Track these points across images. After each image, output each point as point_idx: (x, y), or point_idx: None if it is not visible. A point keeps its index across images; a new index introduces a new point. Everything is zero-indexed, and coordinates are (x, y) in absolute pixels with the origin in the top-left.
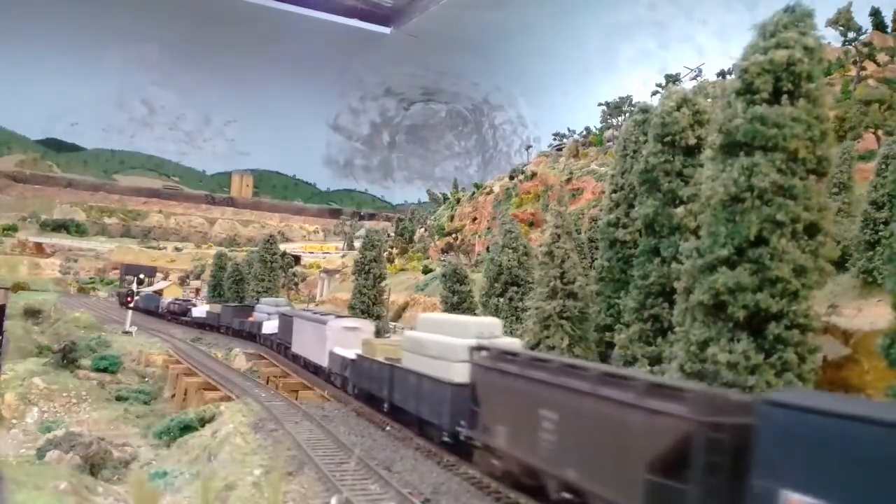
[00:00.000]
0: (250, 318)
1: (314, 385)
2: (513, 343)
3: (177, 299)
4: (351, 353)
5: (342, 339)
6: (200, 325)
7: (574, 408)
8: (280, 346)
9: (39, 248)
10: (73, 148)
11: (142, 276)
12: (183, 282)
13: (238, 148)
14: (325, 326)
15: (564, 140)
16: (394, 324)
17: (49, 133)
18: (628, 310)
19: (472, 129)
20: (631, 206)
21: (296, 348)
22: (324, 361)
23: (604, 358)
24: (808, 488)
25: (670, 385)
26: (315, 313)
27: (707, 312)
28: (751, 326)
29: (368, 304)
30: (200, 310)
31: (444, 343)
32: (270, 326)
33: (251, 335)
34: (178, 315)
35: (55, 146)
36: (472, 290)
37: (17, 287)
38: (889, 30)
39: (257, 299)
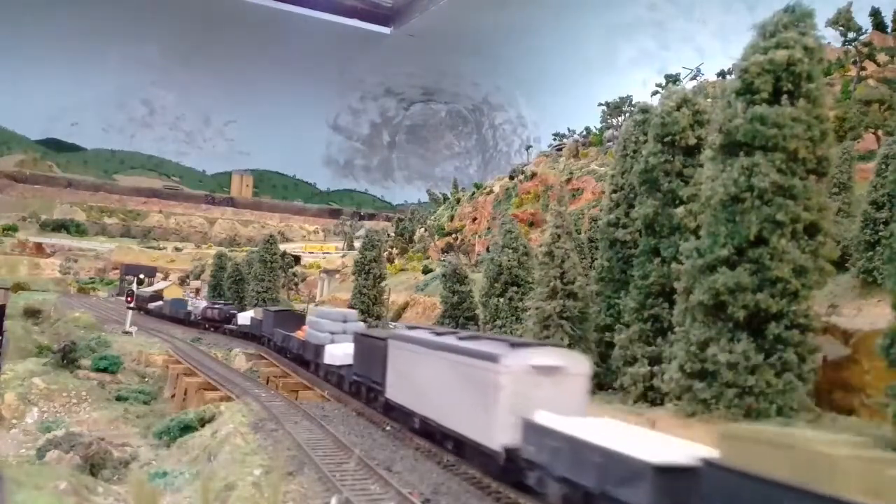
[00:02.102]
0: (299, 335)
1: (314, 385)
2: None
3: (215, 303)
4: (636, 450)
5: (537, 393)
6: (244, 335)
7: None
8: (359, 386)
9: (39, 248)
10: (73, 148)
11: (142, 276)
12: (183, 282)
13: (238, 148)
14: (497, 367)
15: (564, 140)
16: (394, 324)
17: (49, 133)
18: (628, 310)
19: (472, 129)
20: (631, 206)
21: (396, 394)
22: (491, 439)
23: (604, 358)
24: None
25: None
26: (438, 334)
27: (707, 312)
28: (751, 326)
29: (368, 304)
30: (245, 316)
31: None
32: (339, 354)
33: (301, 360)
34: (220, 323)
35: (55, 146)
36: (472, 290)
37: (17, 287)
38: (889, 30)
39: (261, 302)
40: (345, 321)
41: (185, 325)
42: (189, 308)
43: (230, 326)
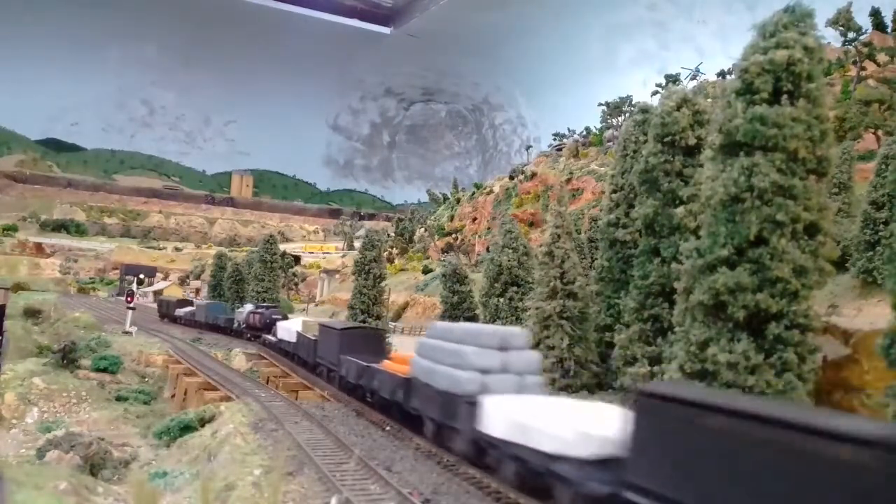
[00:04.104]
0: (392, 368)
1: (314, 384)
2: None
3: (259, 305)
4: None
5: None
6: (284, 353)
7: None
8: None
9: (39, 248)
10: (73, 148)
11: (142, 276)
12: (183, 282)
13: (238, 148)
14: None
15: (564, 140)
16: (394, 324)
17: (49, 133)
18: (628, 310)
19: (472, 129)
20: (631, 206)
21: None
22: None
23: (604, 358)
24: None
25: None
26: None
27: (707, 312)
28: (751, 326)
29: (368, 304)
30: (287, 328)
31: None
32: (550, 432)
33: (399, 411)
34: (261, 331)
35: (55, 146)
36: (472, 290)
37: (17, 287)
38: (889, 30)
39: (261, 302)
40: (504, 348)
41: (224, 333)
42: (223, 313)
43: (269, 338)
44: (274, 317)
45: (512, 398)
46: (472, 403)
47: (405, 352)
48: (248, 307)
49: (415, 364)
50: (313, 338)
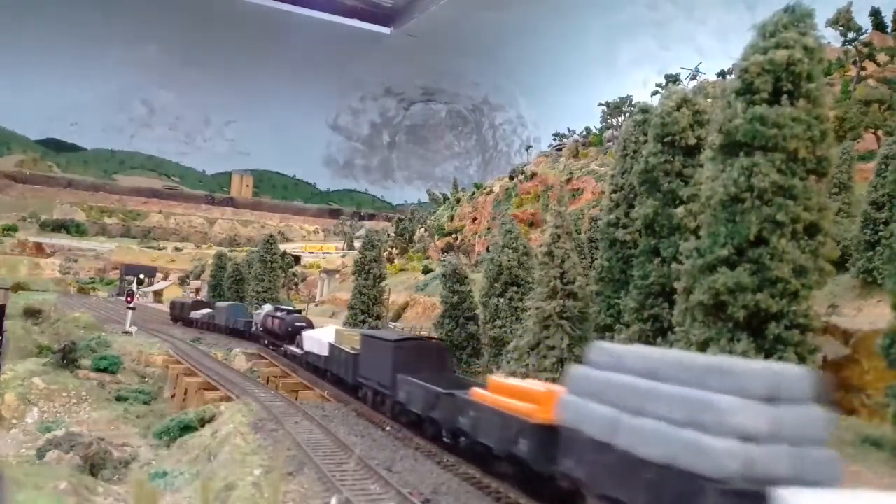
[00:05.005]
0: (489, 400)
1: (314, 385)
2: None
3: (279, 308)
4: None
5: None
6: (314, 368)
7: None
8: None
9: (39, 248)
10: (73, 148)
11: (142, 276)
12: (183, 282)
13: (238, 148)
14: None
15: (564, 140)
16: (393, 324)
17: (49, 133)
18: (628, 310)
19: (472, 129)
20: (631, 206)
21: None
22: None
23: None
24: None
25: None
26: None
27: (707, 312)
28: (751, 326)
29: (368, 304)
30: (314, 338)
31: None
32: None
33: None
34: (282, 340)
35: (55, 146)
36: (472, 290)
37: (17, 287)
38: (889, 30)
39: (261, 302)
40: (773, 399)
41: (245, 339)
42: (243, 315)
43: (293, 349)
44: (298, 324)
45: (844, 495)
46: (746, 497)
47: (514, 379)
48: (267, 307)
49: (569, 407)
50: (353, 351)
